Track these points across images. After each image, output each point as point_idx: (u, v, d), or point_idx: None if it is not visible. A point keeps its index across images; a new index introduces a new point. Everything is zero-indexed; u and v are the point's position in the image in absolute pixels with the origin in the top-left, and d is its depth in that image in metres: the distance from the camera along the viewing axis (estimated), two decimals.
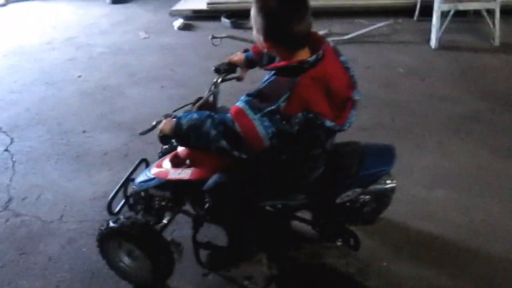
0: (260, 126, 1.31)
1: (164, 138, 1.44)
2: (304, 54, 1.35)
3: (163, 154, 1.87)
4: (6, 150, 2.68)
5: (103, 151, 2.59)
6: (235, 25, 4.11)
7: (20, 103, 3.18)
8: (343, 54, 1.44)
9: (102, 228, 1.75)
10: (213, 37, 1.91)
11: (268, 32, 1.33)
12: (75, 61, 3.79)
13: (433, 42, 3.65)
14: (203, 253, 1.77)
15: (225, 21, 4.16)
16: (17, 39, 4.33)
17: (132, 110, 3.00)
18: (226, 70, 1.71)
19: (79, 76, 3.52)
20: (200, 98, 1.60)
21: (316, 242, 1.76)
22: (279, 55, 1.41)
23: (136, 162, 1.92)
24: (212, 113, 1.39)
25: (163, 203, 1.81)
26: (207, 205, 1.70)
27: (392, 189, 1.57)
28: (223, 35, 1.97)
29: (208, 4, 4.31)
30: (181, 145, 1.59)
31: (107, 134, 2.73)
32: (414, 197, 2.14)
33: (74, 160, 2.53)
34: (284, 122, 1.31)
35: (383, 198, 1.63)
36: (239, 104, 1.33)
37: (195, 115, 1.40)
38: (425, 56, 3.57)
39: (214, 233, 1.90)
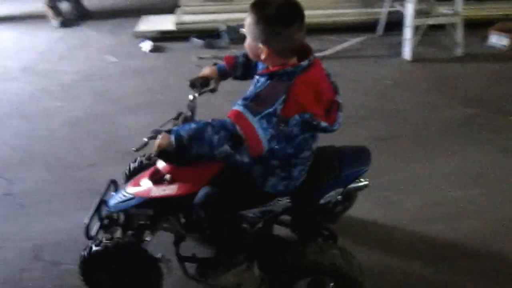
0: (260, 129, 1.36)
1: (163, 154, 1.45)
2: (294, 61, 1.46)
3: (130, 173, 1.96)
4: (7, 194, 2.41)
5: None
6: (209, 45, 4.00)
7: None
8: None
9: (84, 253, 1.72)
10: (200, 58, 1.97)
11: (270, 39, 1.40)
12: (47, 91, 3.50)
13: (408, 55, 3.83)
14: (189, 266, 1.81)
15: (196, 41, 4.05)
16: None
17: (134, 138, 2.81)
18: (201, 84, 1.75)
19: (61, 106, 3.27)
20: (181, 113, 1.67)
21: (296, 243, 1.81)
22: (273, 62, 1.46)
23: (106, 184, 1.89)
24: (209, 121, 1.42)
25: (142, 222, 1.82)
26: (191, 218, 1.77)
27: (366, 186, 1.74)
28: (207, 55, 2.04)
29: (177, 24, 4.21)
30: (180, 158, 1.51)
31: (118, 166, 2.54)
32: (444, 198, 2.31)
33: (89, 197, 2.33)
34: (282, 124, 1.38)
35: (353, 197, 1.84)
36: (237, 107, 1.38)
37: (193, 125, 1.42)
38: (404, 68, 3.76)
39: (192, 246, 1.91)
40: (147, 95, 3.39)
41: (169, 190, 1.67)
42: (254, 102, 1.39)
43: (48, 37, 4.57)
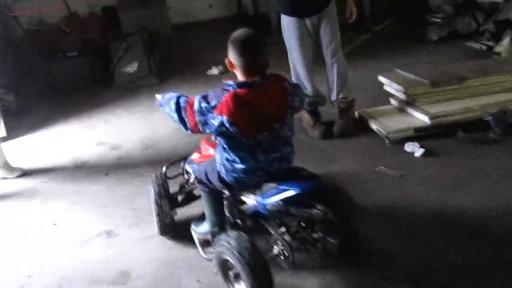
0: (198, 115, 2.07)
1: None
2: (244, 79, 2.12)
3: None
4: None
5: None
6: (475, 140, 3.53)
7: None
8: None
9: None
10: None
11: (229, 55, 2.12)
12: None
13: None
14: None
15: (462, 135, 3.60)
16: None
17: None
18: None
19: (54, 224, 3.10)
20: None
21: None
22: (237, 74, 2.14)
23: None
24: (181, 95, 2.22)
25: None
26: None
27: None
28: None
29: (432, 118, 3.68)
30: (163, 110, 2.30)
31: None
32: None
33: None
34: (212, 119, 2.04)
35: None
36: (197, 96, 2.10)
37: (174, 94, 2.26)
38: None
39: None
40: None
41: (195, 157, 2.61)
42: (205, 97, 2.08)
43: None
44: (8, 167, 3.78)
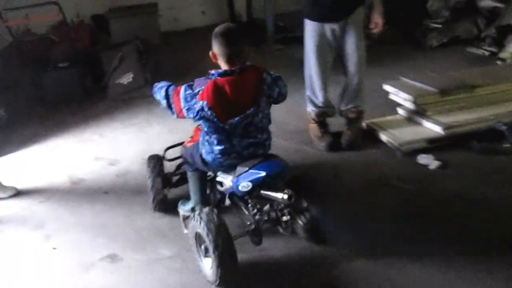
0: (183, 100, 2.36)
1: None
2: (224, 68, 2.39)
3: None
4: None
5: None
6: (487, 151, 3.47)
7: None
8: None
9: None
10: None
11: (213, 47, 2.39)
12: None
13: None
14: None
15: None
16: None
17: None
18: None
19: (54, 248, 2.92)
20: None
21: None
22: (220, 65, 2.40)
23: None
24: (170, 84, 2.56)
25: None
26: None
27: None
28: None
29: (445, 129, 3.56)
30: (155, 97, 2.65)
31: None
32: None
33: None
34: (194, 104, 2.31)
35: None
36: (183, 85, 2.40)
37: (164, 83, 2.59)
38: None
39: None
40: None
41: (187, 141, 2.82)
42: (190, 85, 2.37)
43: None
44: (0, 186, 3.55)
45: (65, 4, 5.61)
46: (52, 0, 5.29)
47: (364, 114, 3.90)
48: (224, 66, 2.37)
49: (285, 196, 2.27)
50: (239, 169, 2.38)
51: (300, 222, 2.53)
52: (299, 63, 4.03)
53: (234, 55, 2.33)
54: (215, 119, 2.31)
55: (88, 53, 5.65)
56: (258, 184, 2.32)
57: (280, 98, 2.53)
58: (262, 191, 2.36)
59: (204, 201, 2.74)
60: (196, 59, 5.70)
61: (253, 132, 2.40)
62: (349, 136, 3.82)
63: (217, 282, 2.35)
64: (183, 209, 2.93)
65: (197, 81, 2.35)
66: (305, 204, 2.50)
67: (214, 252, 2.28)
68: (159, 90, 2.53)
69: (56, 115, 5.07)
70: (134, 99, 5.22)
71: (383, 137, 3.75)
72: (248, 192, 2.37)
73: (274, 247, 2.72)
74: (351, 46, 3.57)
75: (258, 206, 2.47)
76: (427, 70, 4.74)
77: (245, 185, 2.34)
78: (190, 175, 2.75)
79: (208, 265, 2.44)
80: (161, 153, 3.19)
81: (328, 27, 3.54)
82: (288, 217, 2.45)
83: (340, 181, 3.41)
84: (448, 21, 5.53)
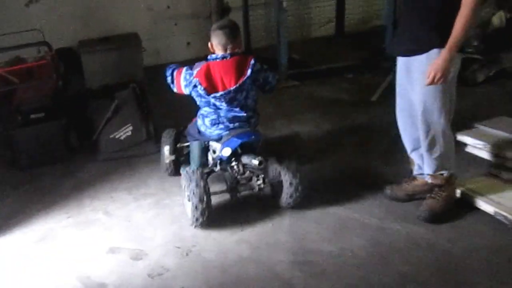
0: (183, 78, 3.09)
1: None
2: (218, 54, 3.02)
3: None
4: None
5: None
6: None
7: None
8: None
9: None
10: None
11: (211, 38, 3.03)
12: None
13: None
14: None
15: None
16: None
17: None
18: None
19: None
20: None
21: None
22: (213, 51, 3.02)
23: None
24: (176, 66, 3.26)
25: None
26: None
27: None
28: None
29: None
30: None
31: None
32: None
33: None
34: (191, 81, 3.03)
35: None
36: (185, 67, 3.13)
37: (174, 65, 3.31)
38: None
39: None
40: None
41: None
42: (191, 67, 3.08)
43: None
44: None
45: (21, 35, 4.46)
46: (43, 41, 4.19)
47: (455, 179, 3.17)
48: (219, 52, 3.00)
49: (256, 162, 2.91)
50: (224, 137, 3.03)
51: (267, 184, 3.17)
52: (328, 102, 4.36)
53: (228, 43, 2.96)
54: (204, 92, 2.99)
55: (65, 99, 4.54)
56: (236, 151, 3.00)
57: (267, 86, 3.15)
58: (241, 158, 3.01)
59: (201, 165, 3.23)
60: (181, 101, 4.39)
61: (237, 107, 3.05)
62: (430, 205, 3.13)
63: (193, 224, 3.03)
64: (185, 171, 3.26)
65: (197, 64, 3.04)
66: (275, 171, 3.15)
67: (191, 200, 2.92)
68: (170, 72, 3.23)
69: (36, 183, 3.93)
70: (132, 157, 4.19)
71: (488, 207, 3.03)
72: (230, 158, 3.00)
73: (246, 204, 3.32)
74: (415, 97, 3.09)
75: (240, 171, 3.05)
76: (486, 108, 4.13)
77: (226, 150, 2.96)
78: (191, 145, 3.35)
79: (188, 208, 3.05)
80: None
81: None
82: (261, 181, 3.11)
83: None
84: (487, 51, 4.98)
